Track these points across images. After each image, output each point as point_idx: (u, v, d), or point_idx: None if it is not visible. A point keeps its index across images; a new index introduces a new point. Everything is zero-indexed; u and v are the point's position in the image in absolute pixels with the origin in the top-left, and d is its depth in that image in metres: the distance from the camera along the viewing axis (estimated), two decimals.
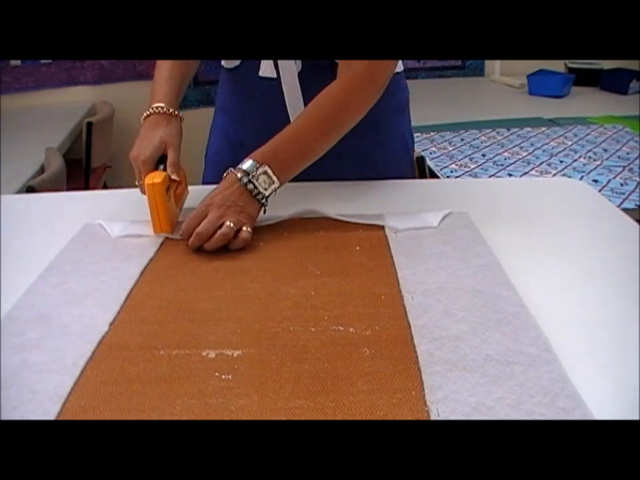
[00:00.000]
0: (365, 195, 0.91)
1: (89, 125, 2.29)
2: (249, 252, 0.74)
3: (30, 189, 1.59)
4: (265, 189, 0.77)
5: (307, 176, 0.93)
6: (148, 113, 0.83)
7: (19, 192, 1.60)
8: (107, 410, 0.48)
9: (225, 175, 0.78)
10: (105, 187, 2.63)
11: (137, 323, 0.60)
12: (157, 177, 0.77)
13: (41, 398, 0.49)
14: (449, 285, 0.64)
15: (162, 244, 0.76)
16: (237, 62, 0.95)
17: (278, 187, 0.78)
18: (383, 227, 0.78)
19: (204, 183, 1.06)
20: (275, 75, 0.91)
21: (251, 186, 0.76)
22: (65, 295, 0.65)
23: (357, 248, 0.74)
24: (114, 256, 0.73)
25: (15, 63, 2.66)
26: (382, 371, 0.52)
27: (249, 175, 0.76)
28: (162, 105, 0.83)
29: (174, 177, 0.80)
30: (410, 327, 0.57)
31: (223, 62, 0.99)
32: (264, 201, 0.77)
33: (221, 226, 0.73)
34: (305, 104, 0.92)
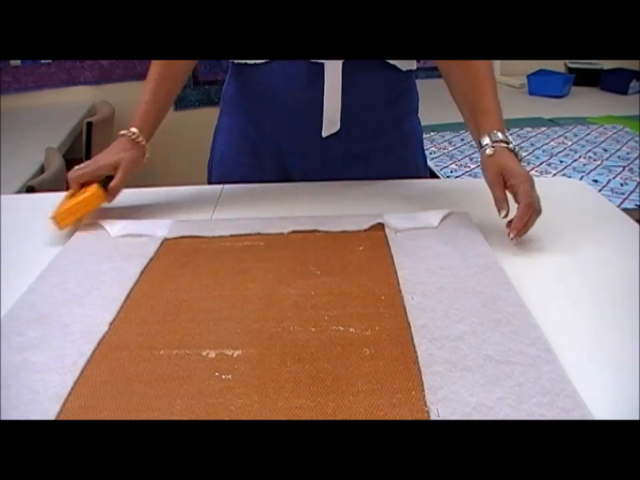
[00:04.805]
0: (365, 195, 0.91)
1: (89, 124, 2.29)
2: (249, 252, 0.74)
3: (30, 189, 1.59)
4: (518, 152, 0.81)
5: (336, 176, 0.93)
6: (123, 133, 0.86)
7: (19, 192, 1.60)
8: (106, 410, 0.48)
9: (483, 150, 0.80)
10: None
11: (136, 322, 0.60)
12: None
13: (41, 398, 0.49)
14: (448, 285, 0.64)
15: (162, 244, 0.76)
16: None
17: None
18: (383, 227, 0.78)
19: (210, 182, 1.04)
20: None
21: (522, 153, 0.80)
22: (65, 295, 0.65)
23: (357, 248, 0.74)
24: (114, 256, 0.73)
25: (15, 63, 2.66)
26: (382, 371, 0.52)
27: (508, 143, 0.81)
28: (135, 131, 0.85)
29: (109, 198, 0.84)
30: (410, 327, 0.57)
31: None
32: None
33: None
34: (343, 89, 0.91)
